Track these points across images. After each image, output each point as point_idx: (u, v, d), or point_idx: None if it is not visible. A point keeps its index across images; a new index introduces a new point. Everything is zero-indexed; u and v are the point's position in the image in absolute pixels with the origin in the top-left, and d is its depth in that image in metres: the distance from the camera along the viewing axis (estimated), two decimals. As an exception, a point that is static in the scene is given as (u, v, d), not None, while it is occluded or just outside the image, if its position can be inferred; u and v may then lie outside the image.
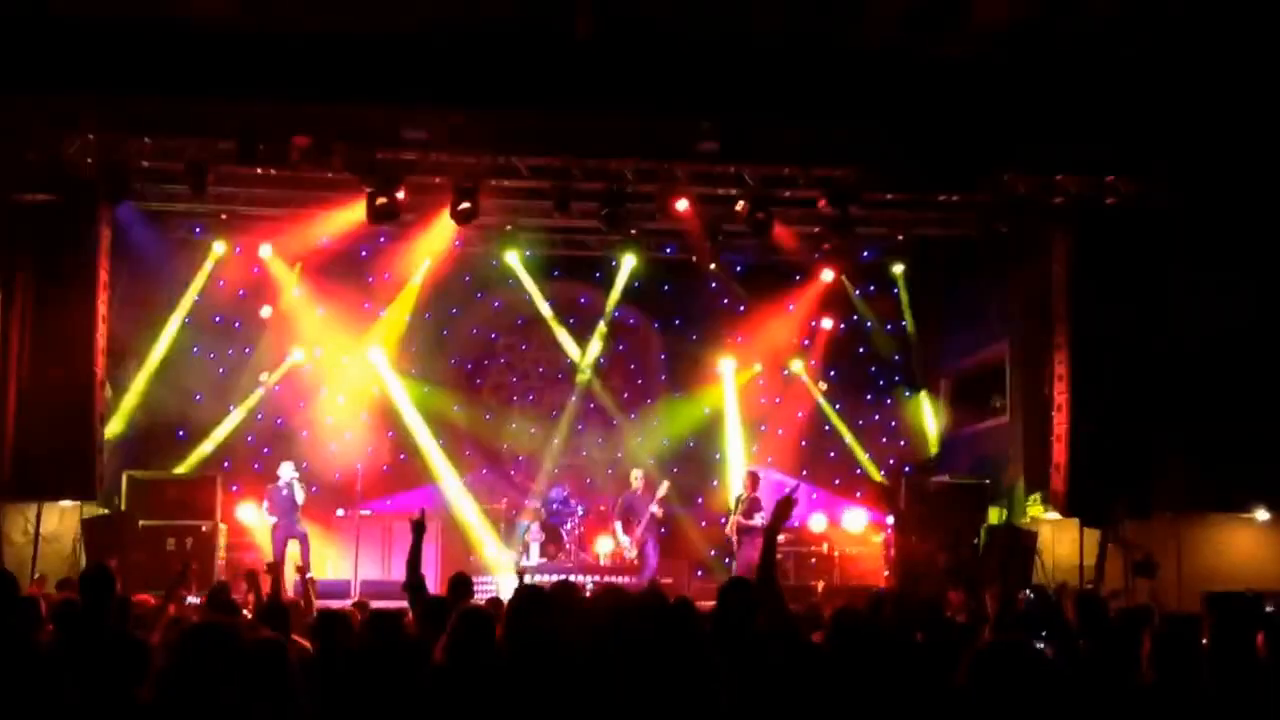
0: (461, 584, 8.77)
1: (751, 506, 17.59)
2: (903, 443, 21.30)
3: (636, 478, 18.78)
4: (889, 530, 18.56)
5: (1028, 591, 12.38)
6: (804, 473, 20.91)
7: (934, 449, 21.18)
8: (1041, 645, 7.69)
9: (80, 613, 7.29)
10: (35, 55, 14.68)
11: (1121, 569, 16.02)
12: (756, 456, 21.08)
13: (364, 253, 20.27)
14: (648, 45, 15.36)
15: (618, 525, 18.45)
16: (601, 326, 21.38)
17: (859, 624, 6.10)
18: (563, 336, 21.74)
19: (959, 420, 21.08)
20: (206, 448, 19.72)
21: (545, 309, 21.57)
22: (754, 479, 18.07)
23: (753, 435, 21.44)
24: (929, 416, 21.50)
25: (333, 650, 7.09)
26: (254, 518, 18.29)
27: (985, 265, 19.54)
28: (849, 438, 21.18)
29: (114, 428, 18.09)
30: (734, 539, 17.75)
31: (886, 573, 18.23)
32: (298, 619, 8.88)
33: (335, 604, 11.43)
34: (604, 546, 18.97)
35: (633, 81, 15.52)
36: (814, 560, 19.12)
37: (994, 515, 18.37)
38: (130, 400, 18.94)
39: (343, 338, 20.55)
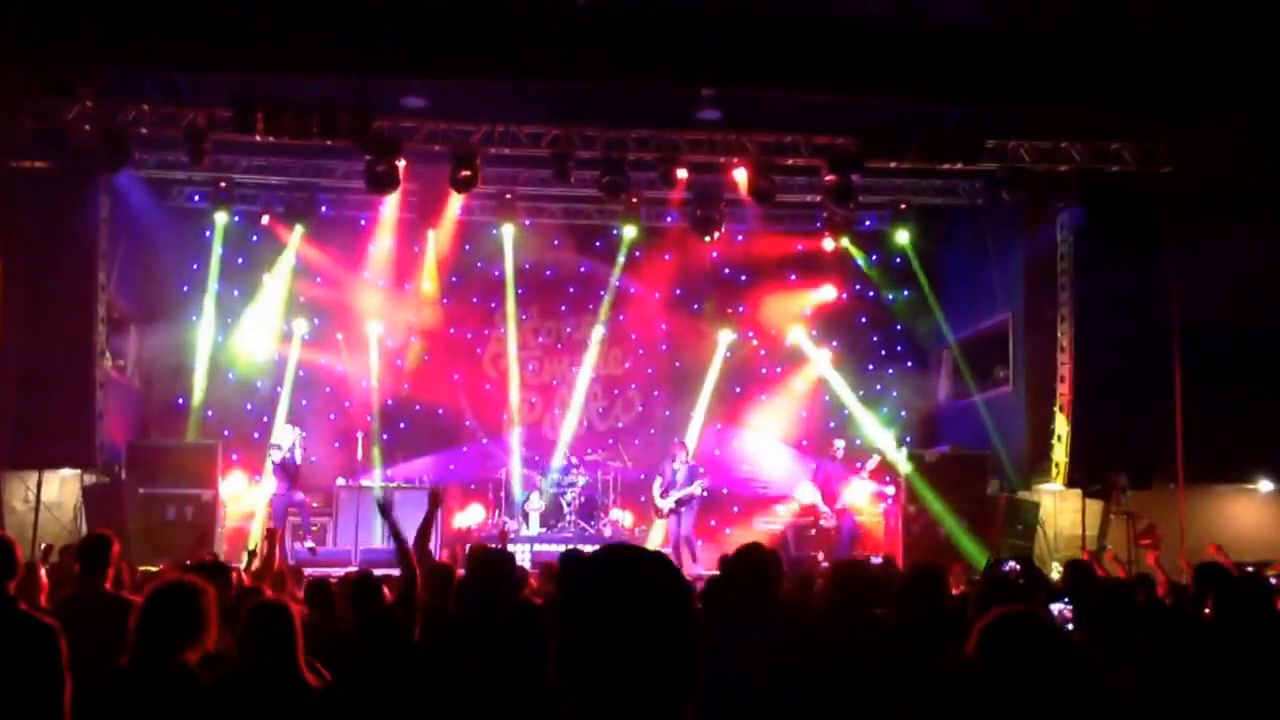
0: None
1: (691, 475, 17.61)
2: (903, 413, 21.21)
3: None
4: (889, 501, 18.50)
5: (1013, 563, 12.33)
6: (804, 442, 20.96)
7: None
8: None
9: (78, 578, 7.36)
10: (34, 22, 14.60)
11: (1125, 540, 15.98)
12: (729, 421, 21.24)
13: (363, 220, 20.19)
14: (648, 13, 15.30)
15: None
16: (605, 297, 21.31)
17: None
18: (563, 306, 21.68)
19: (961, 390, 21.03)
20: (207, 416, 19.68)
21: (545, 278, 21.51)
22: (682, 447, 18.07)
23: (728, 401, 21.38)
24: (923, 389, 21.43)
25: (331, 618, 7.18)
26: (243, 487, 18.30)
27: (989, 234, 19.47)
28: (852, 408, 20.99)
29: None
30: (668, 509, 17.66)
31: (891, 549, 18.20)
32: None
33: (337, 573, 11.43)
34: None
35: (633, 50, 15.47)
36: (814, 532, 19.06)
37: (995, 486, 18.33)
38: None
39: (342, 306, 20.49)
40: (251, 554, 11.35)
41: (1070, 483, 17.08)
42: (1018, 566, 11.72)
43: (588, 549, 16.03)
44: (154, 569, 10.93)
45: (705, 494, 17.73)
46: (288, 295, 20.15)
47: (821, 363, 21.13)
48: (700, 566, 15.89)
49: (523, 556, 16.34)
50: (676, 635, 2.57)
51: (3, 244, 15.73)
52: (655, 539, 18.34)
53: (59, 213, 16.18)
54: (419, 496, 17.20)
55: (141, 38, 15.00)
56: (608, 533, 18.80)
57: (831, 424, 21.20)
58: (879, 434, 19.90)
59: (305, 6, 15.04)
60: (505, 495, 19.58)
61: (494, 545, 8.62)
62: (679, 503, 17.38)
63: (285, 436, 17.44)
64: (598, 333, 21.29)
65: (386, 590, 7.74)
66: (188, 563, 9.21)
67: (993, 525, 17.54)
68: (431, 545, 11.50)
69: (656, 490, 17.58)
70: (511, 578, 6.52)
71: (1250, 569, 11.94)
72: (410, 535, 7.68)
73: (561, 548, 15.02)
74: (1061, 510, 17.68)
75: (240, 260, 20.12)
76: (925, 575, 7.07)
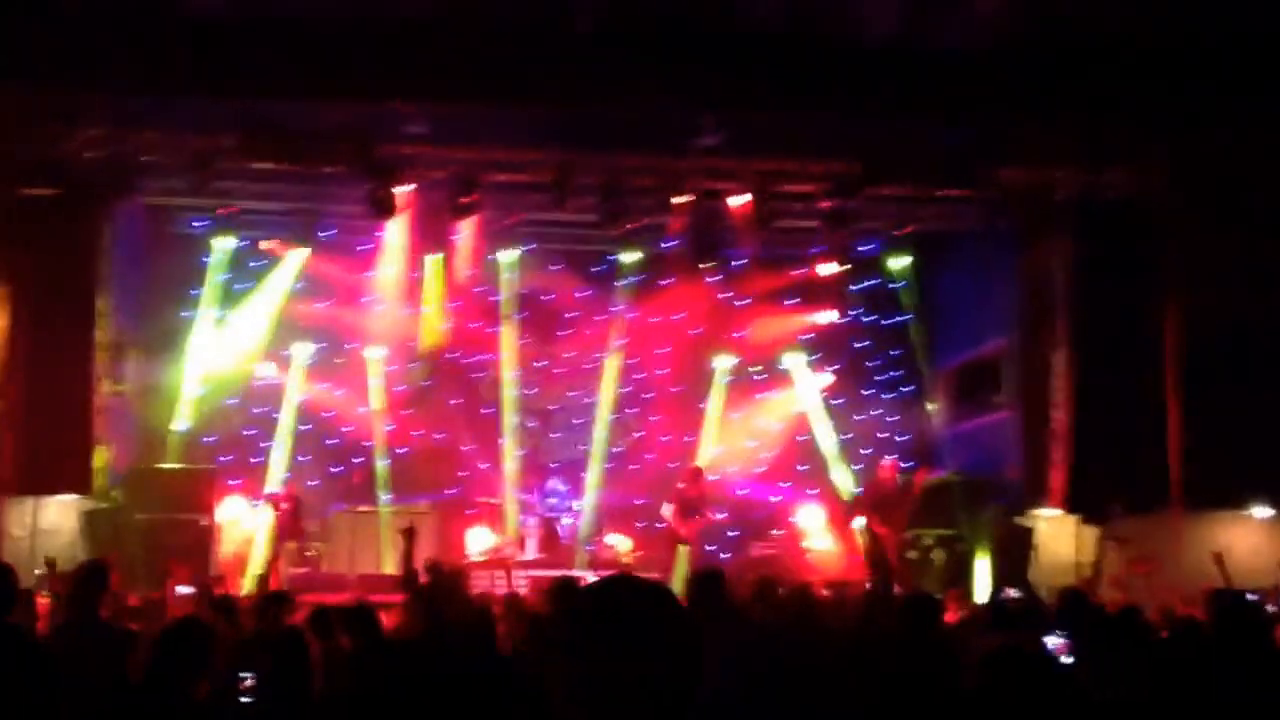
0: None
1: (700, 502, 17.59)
2: (900, 437, 21.19)
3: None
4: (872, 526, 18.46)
5: (1011, 591, 12.37)
6: (803, 468, 20.94)
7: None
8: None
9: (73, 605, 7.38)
10: (39, 49, 14.69)
11: (1119, 566, 15.99)
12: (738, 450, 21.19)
13: (364, 246, 20.23)
14: (648, 38, 15.38)
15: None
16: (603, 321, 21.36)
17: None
18: (561, 331, 21.75)
19: (957, 415, 21.04)
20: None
21: (544, 303, 21.58)
22: (696, 474, 18.02)
23: (727, 427, 21.38)
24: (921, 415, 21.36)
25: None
26: (242, 512, 18.37)
27: (985, 259, 19.51)
28: (832, 443, 20.94)
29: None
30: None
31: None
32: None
33: (332, 598, 11.46)
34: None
35: (633, 75, 15.54)
36: (812, 556, 19.09)
37: (992, 511, 18.32)
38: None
39: (342, 331, 20.55)
40: (254, 579, 11.53)
41: (1066, 508, 17.09)
42: (1017, 594, 11.76)
43: (581, 576, 16.15)
44: (152, 595, 11.00)
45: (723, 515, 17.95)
46: (277, 314, 20.15)
47: (812, 391, 21.13)
48: None
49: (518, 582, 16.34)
50: (677, 663, 2.62)
51: (5, 270, 15.81)
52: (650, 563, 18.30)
53: (62, 239, 16.23)
54: (417, 522, 17.19)
55: (145, 65, 15.10)
56: (605, 557, 18.79)
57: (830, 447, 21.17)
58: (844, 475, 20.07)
59: (307, 34, 15.13)
60: (504, 520, 19.60)
61: (499, 578, 8.67)
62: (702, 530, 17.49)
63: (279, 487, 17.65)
64: (613, 361, 21.33)
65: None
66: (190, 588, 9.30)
67: (989, 550, 17.54)
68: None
69: (672, 515, 17.52)
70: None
71: (1252, 596, 12.01)
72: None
73: (558, 573, 15.02)
74: (1057, 536, 17.65)
75: (242, 286, 20.13)
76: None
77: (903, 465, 18.37)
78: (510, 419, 21.13)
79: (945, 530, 17.86)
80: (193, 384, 19.23)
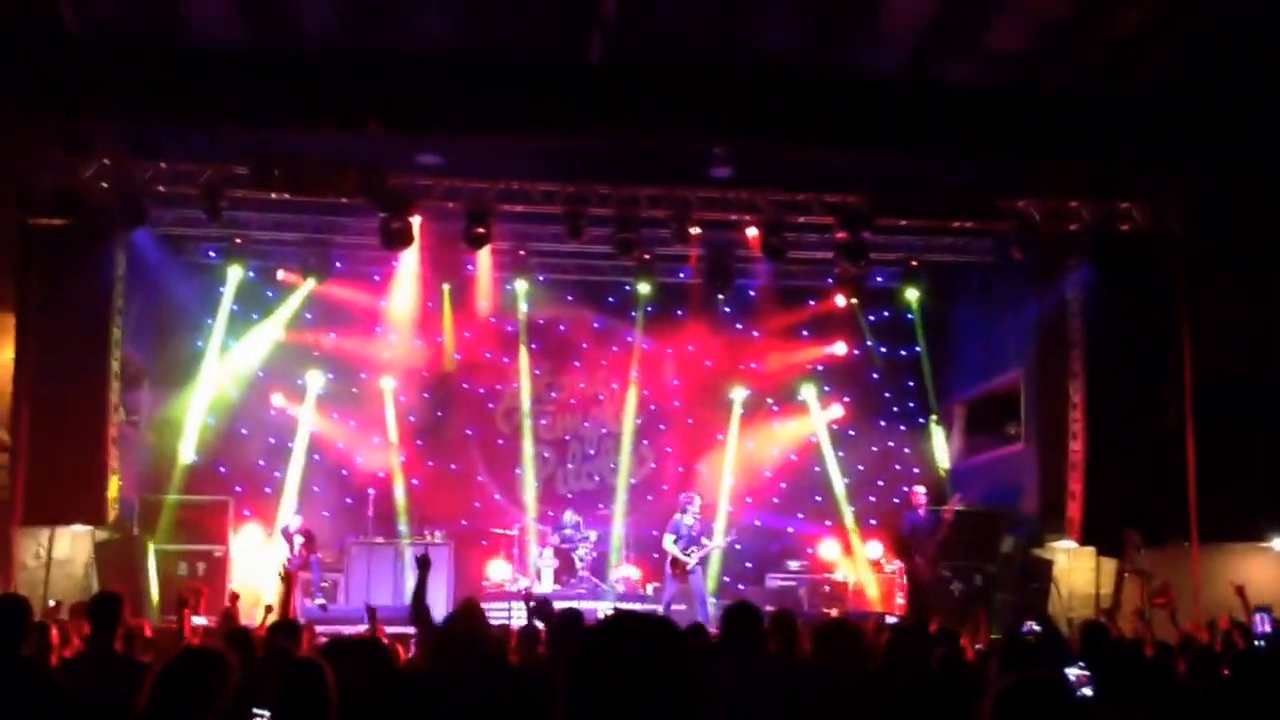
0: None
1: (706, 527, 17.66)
2: (916, 469, 21.10)
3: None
4: (898, 562, 18.37)
5: (1033, 624, 12.25)
6: (818, 499, 20.86)
7: (943, 473, 20.83)
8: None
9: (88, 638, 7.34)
10: (52, 79, 14.74)
11: (1139, 599, 15.89)
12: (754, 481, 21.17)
13: (377, 276, 20.25)
14: (661, 71, 15.39)
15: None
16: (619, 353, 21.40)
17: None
18: (576, 362, 21.75)
19: (973, 447, 20.97)
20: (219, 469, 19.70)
21: (559, 333, 21.61)
22: (691, 500, 17.96)
23: (749, 461, 21.34)
24: (940, 444, 21.24)
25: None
26: (256, 543, 18.36)
27: (1000, 291, 19.49)
28: (838, 478, 20.91)
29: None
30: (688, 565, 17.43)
31: (901, 601, 18.05)
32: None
33: (348, 630, 11.43)
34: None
35: (646, 107, 15.58)
36: (828, 588, 19.02)
37: (1010, 544, 18.24)
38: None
39: (356, 361, 20.57)
40: (268, 609, 11.53)
41: (1083, 540, 17.01)
42: (1037, 628, 11.66)
43: (588, 606, 16.07)
44: (167, 626, 10.96)
45: (730, 541, 17.85)
46: (289, 344, 20.17)
47: (825, 422, 21.11)
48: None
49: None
50: (680, 699, 2.60)
51: (19, 301, 15.82)
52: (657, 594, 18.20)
53: (75, 270, 16.25)
54: (432, 553, 17.16)
55: (158, 95, 15.14)
56: (620, 589, 18.71)
57: (846, 480, 21.08)
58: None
59: (320, 64, 15.17)
60: (519, 551, 19.54)
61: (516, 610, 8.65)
62: (702, 558, 17.31)
63: (293, 521, 17.62)
64: (631, 392, 21.32)
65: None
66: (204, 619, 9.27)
67: (1007, 583, 17.46)
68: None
69: (674, 546, 17.29)
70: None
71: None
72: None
73: (574, 604, 14.93)
74: (1076, 568, 17.59)
75: (255, 315, 20.15)
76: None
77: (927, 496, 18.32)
78: (525, 449, 21.13)
79: (964, 562, 17.75)
80: (205, 414, 19.23)
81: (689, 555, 16.98)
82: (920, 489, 18.11)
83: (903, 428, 21.71)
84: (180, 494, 18.46)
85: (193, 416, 18.94)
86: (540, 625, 8.66)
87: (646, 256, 19.10)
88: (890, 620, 14.80)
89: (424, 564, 8.42)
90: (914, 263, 20.00)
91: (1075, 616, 16.03)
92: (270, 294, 20.16)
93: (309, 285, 19.62)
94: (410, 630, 9.09)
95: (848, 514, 20.48)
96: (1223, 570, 16.70)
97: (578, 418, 21.89)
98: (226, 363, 19.58)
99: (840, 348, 21.45)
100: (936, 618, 12.40)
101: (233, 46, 15.07)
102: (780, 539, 20.71)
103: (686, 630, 6.98)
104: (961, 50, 15.32)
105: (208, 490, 18.78)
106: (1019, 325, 19.09)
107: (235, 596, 12.55)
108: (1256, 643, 10.81)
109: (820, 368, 21.53)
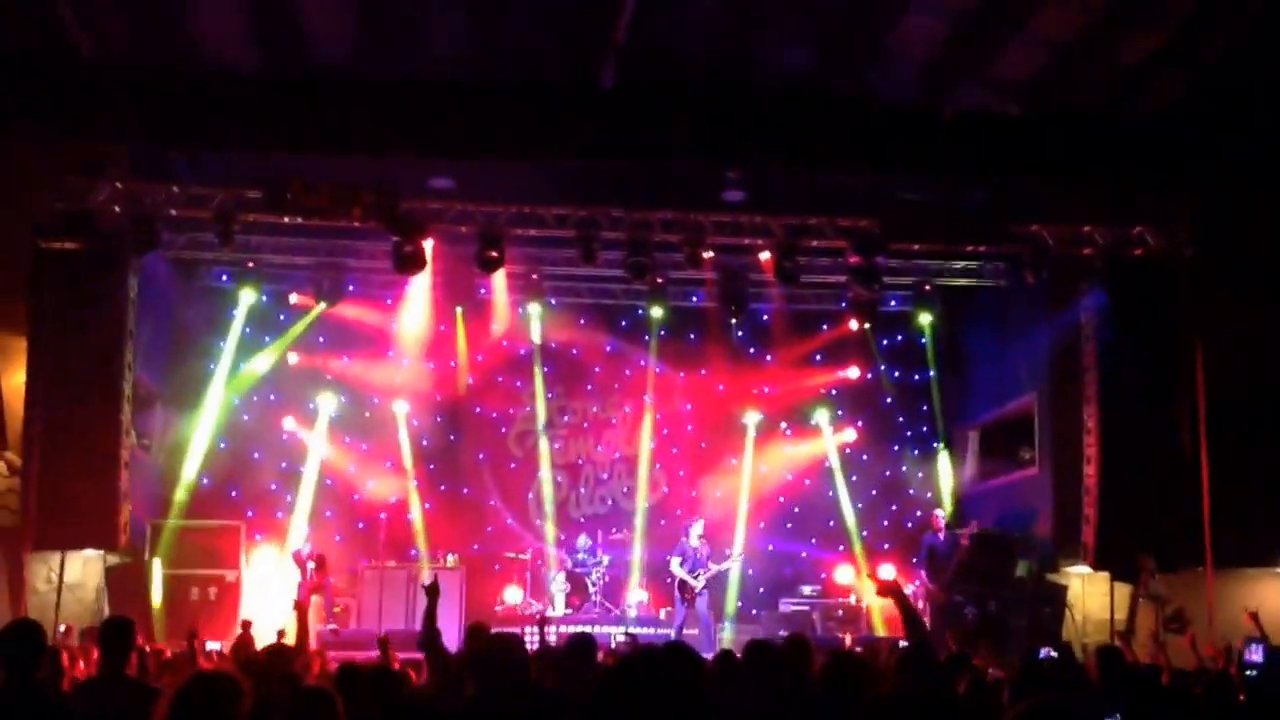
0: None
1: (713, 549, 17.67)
2: (929, 494, 21.03)
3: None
4: (917, 583, 18.28)
5: (1049, 650, 12.17)
6: (831, 524, 20.80)
7: (950, 505, 20.67)
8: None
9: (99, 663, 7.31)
10: (64, 103, 14.80)
11: (1153, 623, 15.81)
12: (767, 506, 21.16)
13: (390, 300, 20.26)
14: (673, 96, 15.42)
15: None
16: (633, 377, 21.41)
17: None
18: (588, 385, 21.74)
19: (987, 471, 20.90)
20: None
21: (572, 357, 21.62)
22: (696, 523, 17.98)
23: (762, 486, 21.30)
24: (946, 471, 21.14)
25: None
26: (268, 567, 18.37)
27: (1013, 315, 19.45)
28: (847, 506, 20.90)
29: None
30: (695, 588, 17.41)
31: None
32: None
33: (359, 655, 11.38)
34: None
35: (658, 131, 15.59)
36: (841, 612, 18.94)
37: (1024, 568, 18.16)
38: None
39: (368, 385, 20.58)
40: (280, 634, 11.51)
41: (1097, 565, 16.91)
42: (1054, 654, 11.58)
43: (602, 630, 16.03)
44: (179, 651, 10.92)
45: (740, 561, 17.83)
46: (312, 374, 20.18)
47: (834, 448, 21.06)
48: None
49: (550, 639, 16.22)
50: None
51: (32, 324, 15.84)
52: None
53: (88, 293, 16.23)
54: (445, 577, 17.14)
55: (172, 119, 15.20)
56: (633, 614, 18.67)
57: (859, 505, 21.01)
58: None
59: (333, 88, 15.21)
60: (531, 576, 19.51)
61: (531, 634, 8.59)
62: (711, 579, 17.28)
63: (304, 546, 17.66)
64: (646, 416, 21.31)
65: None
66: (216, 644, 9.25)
67: (1021, 608, 17.37)
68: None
69: (681, 570, 17.29)
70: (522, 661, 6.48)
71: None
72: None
73: (587, 629, 14.87)
74: (1090, 593, 17.49)
75: (267, 339, 20.16)
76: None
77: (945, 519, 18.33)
78: (538, 473, 21.12)
79: (977, 586, 17.67)
80: (217, 437, 19.23)
81: (696, 578, 17.02)
82: (940, 511, 18.25)
83: (916, 452, 21.65)
84: (192, 518, 18.47)
85: (199, 438, 18.92)
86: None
87: (659, 280, 19.13)
88: (904, 645, 14.72)
89: (433, 591, 8.39)
90: (927, 287, 20.04)
91: (1090, 642, 15.93)
92: (282, 317, 20.19)
93: (324, 309, 19.65)
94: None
95: (858, 539, 20.44)
96: (1237, 595, 16.62)
97: (590, 442, 21.86)
98: (236, 386, 19.63)
99: (853, 372, 21.41)
100: (950, 641, 12.35)
101: (246, 71, 15.13)
102: (793, 563, 20.64)
103: (708, 659, 6.97)
104: (974, 74, 15.34)
105: (220, 514, 18.75)
106: (1032, 349, 19.04)
107: (248, 624, 12.50)
108: (1248, 672, 10.71)
109: (833, 392, 21.47)
